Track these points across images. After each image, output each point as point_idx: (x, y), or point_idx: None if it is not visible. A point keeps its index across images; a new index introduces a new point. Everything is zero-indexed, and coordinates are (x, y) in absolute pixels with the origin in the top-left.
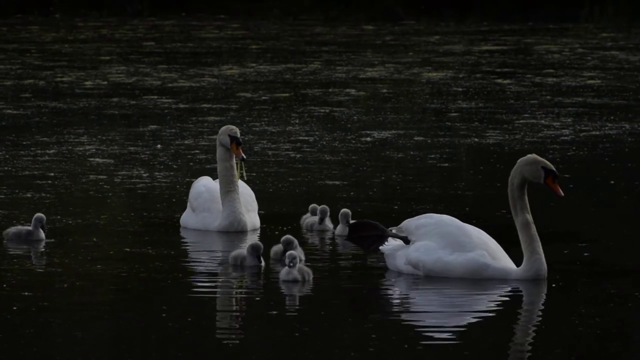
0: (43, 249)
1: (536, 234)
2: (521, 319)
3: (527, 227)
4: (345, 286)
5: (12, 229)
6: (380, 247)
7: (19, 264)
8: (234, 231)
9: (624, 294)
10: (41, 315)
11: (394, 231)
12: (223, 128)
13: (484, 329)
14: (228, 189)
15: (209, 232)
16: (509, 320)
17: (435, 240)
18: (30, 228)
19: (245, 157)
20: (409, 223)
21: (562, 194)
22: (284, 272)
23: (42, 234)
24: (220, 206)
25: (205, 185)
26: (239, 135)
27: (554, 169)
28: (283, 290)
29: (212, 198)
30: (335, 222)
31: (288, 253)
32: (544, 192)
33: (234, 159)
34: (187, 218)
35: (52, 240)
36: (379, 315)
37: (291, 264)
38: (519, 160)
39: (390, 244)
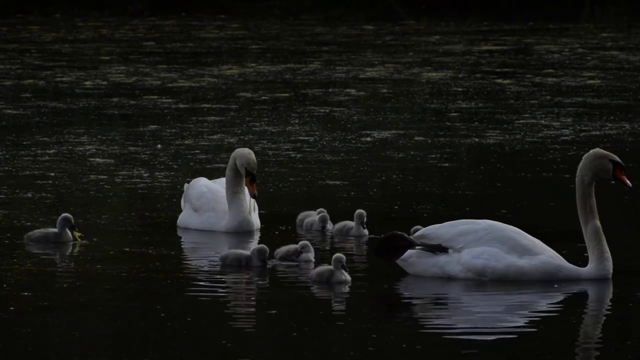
0: (49, 250)
1: (603, 235)
2: (586, 317)
3: (597, 231)
4: (350, 287)
5: (37, 231)
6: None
7: (18, 264)
8: (242, 231)
9: (625, 294)
10: (40, 315)
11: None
12: (244, 154)
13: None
14: (235, 190)
15: (212, 232)
16: (575, 320)
17: (495, 245)
18: (56, 230)
19: (257, 194)
20: (442, 231)
21: (631, 185)
22: (337, 275)
23: (70, 235)
24: (224, 206)
25: (206, 186)
26: (256, 169)
27: (620, 160)
28: (282, 291)
29: (215, 198)
30: (334, 222)
31: (336, 256)
32: (543, 192)
33: (244, 181)
34: (189, 218)
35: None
36: (381, 315)
37: (340, 267)
38: (585, 157)
39: (410, 252)
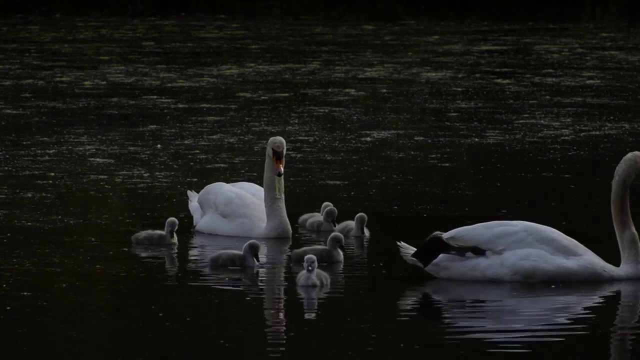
0: (39, 248)
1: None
2: (621, 318)
3: (635, 236)
4: (350, 287)
5: (143, 233)
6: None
7: (18, 264)
8: (281, 237)
9: (626, 295)
10: (38, 315)
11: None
12: (271, 139)
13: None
14: (274, 196)
15: (227, 237)
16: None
17: (540, 247)
18: (163, 233)
19: (282, 172)
20: (476, 233)
21: None
22: (303, 277)
23: (175, 239)
24: (256, 212)
25: (232, 191)
26: (282, 149)
27: None
28: (281, 290)
29: (245, 204)
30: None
31: (307, 257)
32: (543, 192)
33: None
34: (216, 224)
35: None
36: (380, 315)
37: (310, 268)
38: (627, 159)
39: (441, 257)
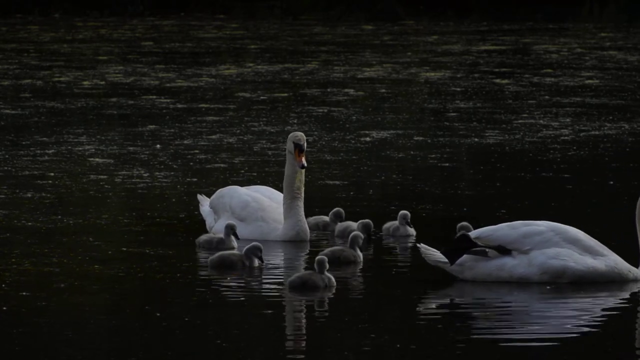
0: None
1: None
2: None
3: None
4: (350, 287)
5: (204, 237)
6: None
7: (17, 264)
8: (298, 240)
9: (625, 295)
10: (36, 315)
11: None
12: (291, 134)
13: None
14: (294, 195)
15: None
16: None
17: (568, 247)
18: (222, 236)
19: (305, 165)
20: (502, 233)
21: None
22: (319, 277)
23: (234, 242)
24: (273, 215)
25: (249, 195)
26: (303, 142)
27: None
28: (279, 291)
29: (262, 207)
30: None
31: (318, 258)
32: (543, 192)
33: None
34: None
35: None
36: (378, 315)
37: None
38: None
39: (465, 257)
